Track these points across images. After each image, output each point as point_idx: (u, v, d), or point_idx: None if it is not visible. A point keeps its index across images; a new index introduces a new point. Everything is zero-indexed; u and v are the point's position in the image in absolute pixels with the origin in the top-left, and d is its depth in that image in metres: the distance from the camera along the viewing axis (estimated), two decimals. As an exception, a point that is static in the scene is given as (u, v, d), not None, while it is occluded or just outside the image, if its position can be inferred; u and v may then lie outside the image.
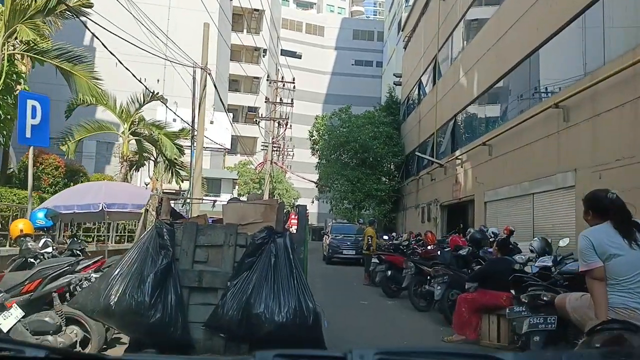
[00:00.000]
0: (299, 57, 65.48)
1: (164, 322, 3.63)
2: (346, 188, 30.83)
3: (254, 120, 38.32)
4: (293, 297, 3.67)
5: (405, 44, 33.77)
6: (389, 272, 10.53)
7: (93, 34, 12.79)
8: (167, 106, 19.70)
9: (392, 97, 36.15)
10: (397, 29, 44.05)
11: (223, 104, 24.86)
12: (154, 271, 3.68)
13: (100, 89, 11.17)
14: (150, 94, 14.70)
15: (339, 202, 31.99)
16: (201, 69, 13.68)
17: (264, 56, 52.26)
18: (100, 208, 7.54)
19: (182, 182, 18.02)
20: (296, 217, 5.05)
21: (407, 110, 32.58)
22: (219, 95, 16.75)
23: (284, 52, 59.97)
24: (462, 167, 19.66)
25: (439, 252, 8.59)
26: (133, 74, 13.91)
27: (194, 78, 13.51)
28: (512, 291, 4.96)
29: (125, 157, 15.55)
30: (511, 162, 15.13)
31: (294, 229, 5.66)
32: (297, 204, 40.02)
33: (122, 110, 15.55)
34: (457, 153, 20.14)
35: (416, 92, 29.98)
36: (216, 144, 31.46)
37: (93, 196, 7.64)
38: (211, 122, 36.50)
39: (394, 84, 36.47)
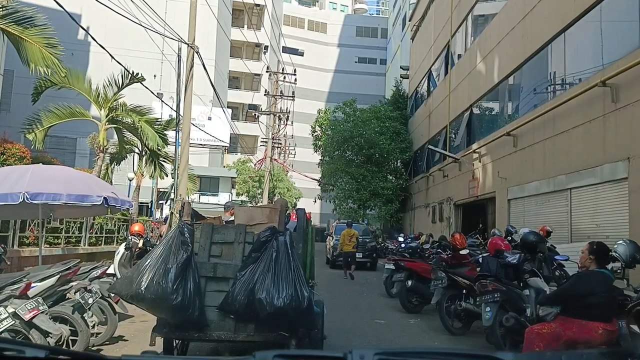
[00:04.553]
0: (301, 54, 63.77)
1: (184, 305, 4.21)
2: (350, 186, 29.01)
3: (254, 114, 36.54)
4: (290, 285, 4.20)
5: (413, 34, 31.95)
6: (409, 282, 8.66)
7: (84, 30, 11.28)
8: (161, 98, 17.92)
9: (399, 90, 34.32)
10: (402, 25, 42.51)
11: (219, 98, 23.12)
12: (176, 263, 4.27)
13: (57, 58, 9.32)
14: (130, 75, 12.87)
15: (343, 201, 30.13)
16: (188, 45, 11.87)
17: (265, 53, 50.65)
18: (21, 199, 5.71)
19: (167, 175, 16.17)
20: (296, 218, 5.47)
21: (416, 104, 30.75)
22: (210, 78, 14.90)
23: (286, 50, 58.25)
24: (480, 161, 17.81)
25: (480, 259, 6.73)
26: (122, 65, 12.32)
27: (178, 56, 11.70)
28: (635, 326, 3.18)
29: (101, 148, 13.68)
30: (541, 154, 13.29)
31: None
32: (297, 206, 38.26)
33: (99, 94, 13.70)
34: (474, 146, 18.29)
35: (425, 84, 28.17)
36: (215, 139, 29.74)
37: (13, 184, 5.77)
38: (209, 119, 34.91)
39: (401, 77, 34.67)
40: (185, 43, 11.83)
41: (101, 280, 5.79)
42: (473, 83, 19.01)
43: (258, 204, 34.94)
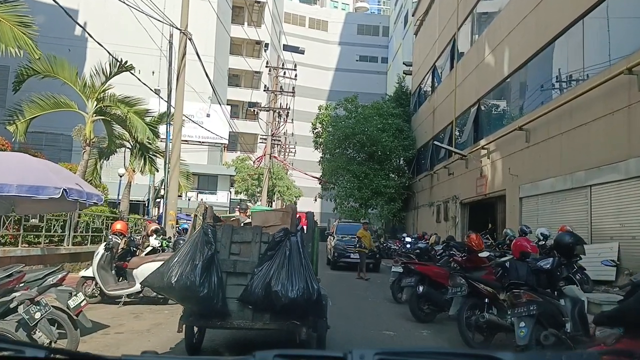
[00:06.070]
0: (302, 52, 62.89)
1: (209, 296, 4.84)
2: (352, 185, 28.21)
3: (253, 111, 35.72)
4: (302, 279, 4.79)
5: (417, 29, 31.13)
6: (421, 288, 7.82)
7: (81, 26, 10.62)
8: (158, 94, 17.12)
9: (402, 87, 33.48)
10: (404, 23, 41.79)
11: (216, 94, 22.27)
12: (202, 259, 4.90)
13: (30, 39, 8.49)
14: (118, 63, 12.03)
15: (344, 199, 29.31)
16: (180, 31, 11.06)
17: (265, 50, 49.90)
18: (-37, 192, 4.88)
19: (157, 171, 15.31)
20: (306, 220, 6.06)
21: (419, 101, 29.95)
22: (207, 72, 14.09)
23: (287, 48, 57.41)
24: (488, 157, 16.99)
25: (506, 264, 5.88)
26: (110, 53, 11.62)
27: (170, 43, 10.89)
28: None
29: (87, 141, 12.82)
30: (557, 149, 12.48)
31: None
32: (297, 204, 37.38)
33: (85, 84, 12.84)
34: (483, 142, 17.49)
35: (429, 79, 27.35)
36: (214, 136, 28.93)
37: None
38: (208, 115, 34.07)
39: (404, 73, 33.84)
40: (177, 29, 11.02)
41: (59, 288, 4.95)
42: (481, 76, 18.20)
43: (256, 203, 34.11)
